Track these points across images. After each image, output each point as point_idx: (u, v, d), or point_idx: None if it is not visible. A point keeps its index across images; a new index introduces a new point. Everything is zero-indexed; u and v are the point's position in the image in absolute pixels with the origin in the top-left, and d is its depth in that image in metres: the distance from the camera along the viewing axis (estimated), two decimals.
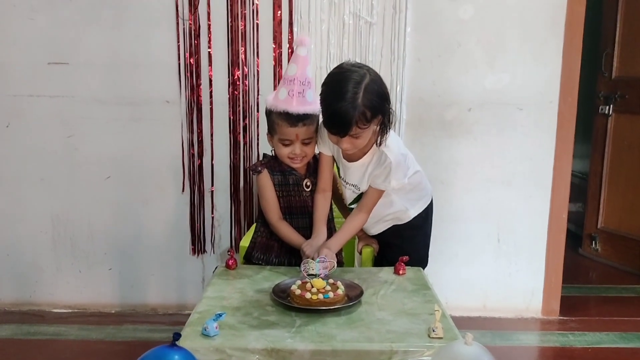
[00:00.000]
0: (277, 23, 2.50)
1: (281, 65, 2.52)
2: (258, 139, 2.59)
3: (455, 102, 2.58)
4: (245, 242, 2.00)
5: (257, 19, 2.50)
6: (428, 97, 2.58)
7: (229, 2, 2.48)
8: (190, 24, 2.50)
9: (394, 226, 1.95)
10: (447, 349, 1.16)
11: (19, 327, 2.58)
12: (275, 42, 2.52)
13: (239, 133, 2.58)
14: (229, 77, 2.54)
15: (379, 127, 1.68)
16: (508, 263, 2.71)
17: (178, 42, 2.52)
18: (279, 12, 2.49)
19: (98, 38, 2.52)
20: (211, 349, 1.25)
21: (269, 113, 1.80)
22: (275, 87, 2.46)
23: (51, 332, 2.55)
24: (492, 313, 2.74)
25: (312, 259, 1.59)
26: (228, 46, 2.52)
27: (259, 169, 1.84)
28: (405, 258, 1.74)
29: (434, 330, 1.30)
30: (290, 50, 2.49)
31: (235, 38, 2.51)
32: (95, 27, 2.52)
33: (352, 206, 1.91)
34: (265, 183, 1.84)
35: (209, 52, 2.53)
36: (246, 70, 2.53)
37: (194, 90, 2.55)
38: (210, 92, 2.56)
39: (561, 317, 2.74)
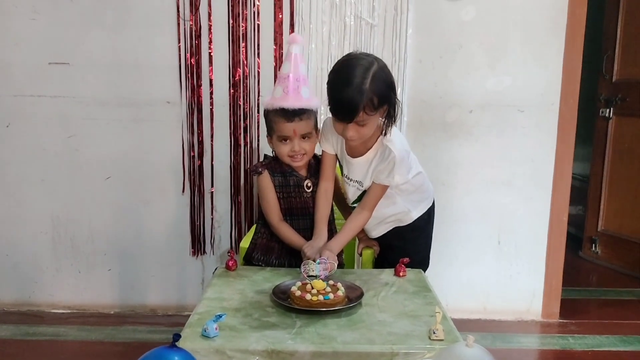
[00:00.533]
0: (278, 24, 2.50)
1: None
2: (258, 140, 2.59)
3: (456, 103, 2.58)
4: (245, 243, 2.00)
5: (258, 20, 2.50)
6: (429, 99, 2.58)
7: (230, 3, 2.48)
8: (191, 24, 2.50)
9: (396, 228, 1.94)
10: (448, 351, 1.16)
11: (18, 328, 2.58)
12: (276, 44, 2.52)
13: (240, 134, 2.58)
14: (229, 78, 2.54)
15: (384, 120, 1.68)
16: (508, 265, 2.71)
17: (179, 42, 2.52)
18: (280, 13, 2.49)
19: (99, 39, 2.53)
20: (211, 350, 1.25)
21: (266, 114, 1.80)
22: None
23: (50, 332, 2.54)
24: (493, 315, 2.74)
25: (313, 260, 1.58)
26: (229, 47, 2.52)
27: (260, 170, 1.84)
28: (406, 260, 1.73)
29: (434, 332, 1.29)
30: None
31: (236, 39, 2.51)
32: (97, 28, 2.52)
33: (355, 205, 1.91)
34: (266, 184, 1.84)
35: (210, 53, 2.53)
36: (247, 71, 2.54)
37: (194, 91, 2.55)
38: (211, 93, 2.56)
39: (561, 320, 2.74)
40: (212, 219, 2.67)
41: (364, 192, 1.84)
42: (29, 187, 2.66)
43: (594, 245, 3.54)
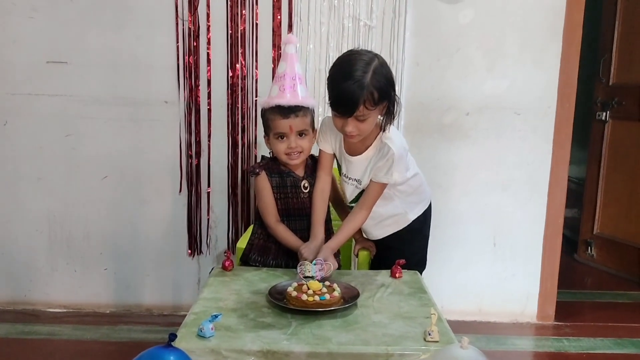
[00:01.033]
0: (276, 25, 2.51)
1: None
2: (256, 141, 2.59)
3: (453, 106, 2.59)
4: (242, 243, 2.00)
5: (257, 21, 2.50)
6: (426, 101, 2.58)
7: (229, 3, 2.48)
8: (189, 25, 2.50)
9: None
10: (442, 352, 1.16)
11: (13, 327, 2.57)
12: (274, 44, 2.52)
13: (237, 134, 2.58)
14: (227, 78, 2.55)
15: (383, 118, 1.69)
16: (504, 267, 2.72)
17: (177, 42, 2.52)
18: (279, 14, 2.49)
19: (97, 38, 2.52)
20: (207, 350, 1.25)
21: (263, 113, 1.82)
22: None
23: (45, 331, 2.54)
24: (488, 317, 2.75)
25: (310, 261, 1.59)
26: (227, 47, 2.52)
27: (257, 170, 1.84)
28: (402, 261, 1.74)
29: (429, 334, 1.30)
30: None
31: (234, 39, 2.51)
32: (95, 27, 2.52)
33: (353, 204, 1.91)
34: (263, 185, 1.84)
35: (208, 53, 2.53)
36: (245, 71, 2.54)
37: (192, 91, 2.55)
38: (209, 93, 2.56)
39: (556, 322, 2.75)
40: (208, 219, 2.67)
41: (362, 191, 1.85)
42: (26, 185, 2.65)
43: (589, 248, 3.55)
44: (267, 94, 1.84)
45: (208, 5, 2.49)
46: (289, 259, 1.86)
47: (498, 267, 2.72)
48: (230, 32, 2.51)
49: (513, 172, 2.64)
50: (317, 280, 1.51)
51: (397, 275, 1.72)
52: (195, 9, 2.49)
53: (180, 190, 2.65)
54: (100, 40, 2.53)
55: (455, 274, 2.70)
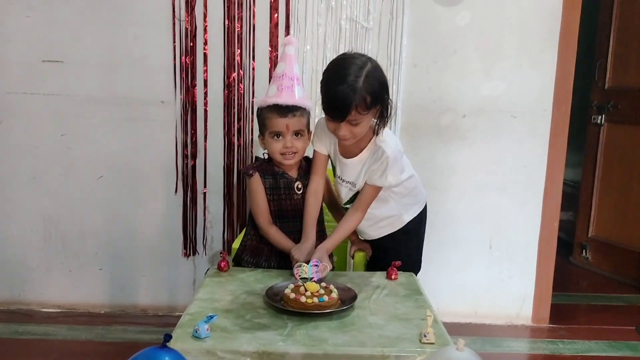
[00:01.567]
0: (273, 26, 2.50)
1: None
2: (252, 141, 2.59)
3: (450, 108, 2.59)
4: (237, 244, 1.99)
5: (254, 21, 2.50)
6: (423, 103, 2.59)
7: (226, 3, 2.48)
8: (186, 24, 2.50)
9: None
10: (438, 354, 1.16)
11: (7, 326, 2.56)
12: (271, 45, 2.52)
13: (234, 135, 2.58)
14: (224, 78, 2.54)
15: (377, 120, 1.68)
16: (499, 270, 2.72)
17: (174, 42, 2.51)
18: (276, 14, 2.49)
19: (94, 37, 2.52)
20: (202, 351, 1.25)
21: (259, 112, 1.82)
22: None
23: (40, 331, 2.53)
24: (483, 319, 2.75)
25: (306, 262, 1.59)
26: (224, 48, 2.52)
27: (251, 172, 1.84)
28: (398, 263, 1.74)
29: (425, 336, 1.30)
30: None
31: (231, 40, 2.51)
32: (91, 26, 2.51)
33: (347, 206, 1.91)
34: (257, 187, 1.83)
35: (205, 53, 2.52)
36: (242, 72, 2.53)
37: (188, 91, 2.55)
38: (205, 94, 2.56)
39: (551, 325, 2.75)
40: (204, 219, 2.67)
41: (357, 193, 1.85)
42: (20, 184, 2.64)
43: (584, 251, 3.56)
44: (263, 94, 1.84)
45: (205, 5, 2.48)
46: (282, 261, 1.85)
47: (494, 269, 2.72)
48: (227, 32, 2.51)
49: (509, 174, 2.65)
50: (314, 281, 1.51)
51: (393, 276, 1.72)
52: (192, 8, 2.48)
53: (176, 191, 2.64)
54: (97, 40, 2.52)
55: (451, 276, 2.70)
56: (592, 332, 2.69)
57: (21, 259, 2.70)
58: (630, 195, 3.31)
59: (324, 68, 1.73)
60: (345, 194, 1.89)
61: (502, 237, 2.70)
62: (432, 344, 1.29)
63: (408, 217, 1.94)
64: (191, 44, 2.51)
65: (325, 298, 1.43)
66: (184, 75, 2.54)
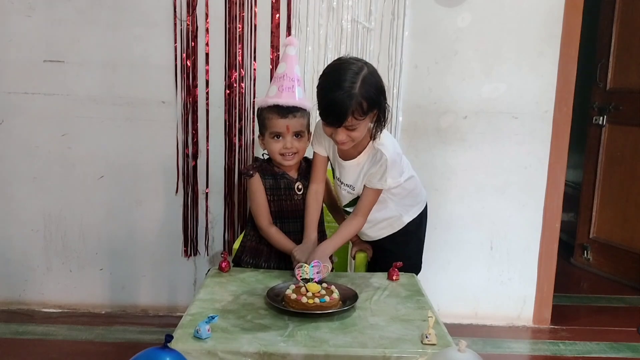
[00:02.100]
0: (274, 26, 2.50)
1: None
2: (253, 142, 2.59)
3: (451, 109, 2.59)
4: (237, 245, 1.99)
5: (255, 22, 2.50)
6: (424, 104, 2.58)
7: (227, 4, 2.48)
8: (188, 25, 2.49)
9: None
10: (440, 355, 1.16)
11: (8, 326, 2.56)
12: (272, 45, 2.52)
13: (235, 135, 2.58)
14: (225, 79, 2.54)
15: (374, 124, 1.68)
16: (500, 271, 2.72)
17: (175, 42, 2.51)
18: (277, 15, 2.49)
19: (95, 37, 2.52)
20: (203, 351, 1.24)
21: (260, 112, 1.82)
22: None
23: (40, 331, 2.52)
24: (484, 321, 2.75)
25: (306, 263, 1.58)
26: (225, 48, 2.52)
27: (251, 172, 1.84)
28: (399, 264, 1.73)
29: (427, 337, 1.29)
30: None
31: (232, 40, 2.51)
32: (92, 26, 2.51)
33: (347, 208, 1.91)
34: (257, 187, 1.83)
35: (206, 53, 2.52)
36: (243, 72, 2.53)
37: (190, 91, 2.55)
38: (207, 94, 2.56)
39: (552, 326, 2.75)
40: (206, 220, 2.67)
41: (357, 197, 1.84)
42: (21, 184, 2.64)
43: (585, 252, 3.55)
44: (264, 95, 1.84)
45: (207, 6, 2.48)
46: (281, 262, 1.85)
47: (495, 270, 2.72)
48: (228, 32, 2.51)
49: (510, 175, 2.64)
50: (315, 282, 1.51)
51: (394, 277, 1.72)
52: (194, 9, 2.48)
53: (176, 191, 2.64)
54: (98, 40, 2.52)
55: (452, 277, 2.70)
56: (594, 333, 2.68)
57: (21, 259, 2.70)
58: (632, 196, 3.30)
59: (320, 73, 1.72)
60: (344, 196, 1.89)
61: (503, 238, 2.69)
62: (434, 345, 1.28)
63: (408, 218, 1.94)
64: (192, 44, 2.51)
65: (327, 299, 1.43)
66: (185, 76, 2.54)
